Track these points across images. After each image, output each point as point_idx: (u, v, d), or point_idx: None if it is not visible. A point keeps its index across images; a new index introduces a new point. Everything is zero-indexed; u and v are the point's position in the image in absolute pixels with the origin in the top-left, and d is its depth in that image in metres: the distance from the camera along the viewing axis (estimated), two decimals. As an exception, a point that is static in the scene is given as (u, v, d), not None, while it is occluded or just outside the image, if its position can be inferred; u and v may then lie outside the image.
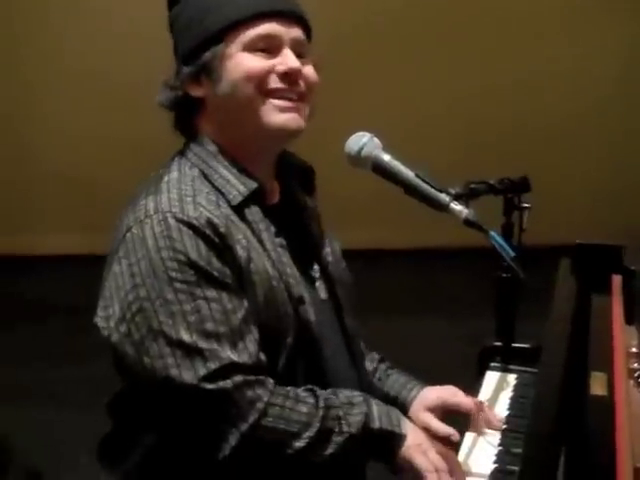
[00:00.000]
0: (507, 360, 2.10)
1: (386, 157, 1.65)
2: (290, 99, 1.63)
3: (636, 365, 1.62)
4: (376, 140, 1.67)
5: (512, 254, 1.59)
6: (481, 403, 1.82)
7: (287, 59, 1.63)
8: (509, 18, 5.38)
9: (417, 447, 1.59)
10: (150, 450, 1.62)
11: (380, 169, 1.65)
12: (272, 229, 1.63)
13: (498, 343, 2.14)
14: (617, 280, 2.00)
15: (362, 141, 1.66)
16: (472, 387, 2.01)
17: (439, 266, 5.30)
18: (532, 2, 5.37)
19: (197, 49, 1.63)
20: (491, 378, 2.06)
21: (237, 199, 1.61)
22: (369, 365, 1.89)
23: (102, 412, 1.70)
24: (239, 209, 1.60)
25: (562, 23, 5.37)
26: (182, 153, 1.68)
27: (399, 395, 1.83)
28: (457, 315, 4.45)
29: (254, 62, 1.62)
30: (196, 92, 1.65)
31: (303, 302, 1.63)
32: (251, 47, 1.62)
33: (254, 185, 1.63)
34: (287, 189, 1.76)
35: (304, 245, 1.73)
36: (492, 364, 2.10)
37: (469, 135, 5.46)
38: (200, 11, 1.64)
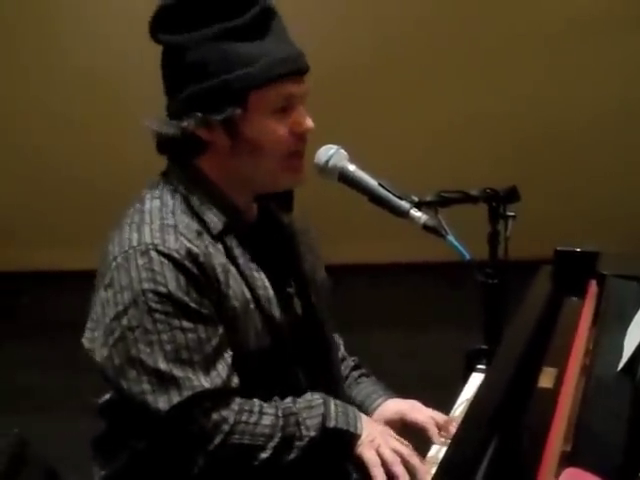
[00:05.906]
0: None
1: (351, 167, 1.77)
2: (300, 157, 1.71)
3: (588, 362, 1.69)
4: (343, 152, 1.78)
5: (467, 257, 1.70)
6: (446, 420, 1.84)
7: (304, 120, 1.69)
8: (514, 35, 5.46)
9: (369, 443, 1.66)
10: (137, 453, 1.71)
11: (346, 179, 1.77)
12: (247, 255, 1.70)
13: (484, 346, 2.21)
14: (593, 284, 2.07)
15: (329, 153, 1.77)
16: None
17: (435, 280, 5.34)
18: (539, 18, 5.44)
19: (217, 99, 1.64)
20: (475, 379, 2.12)
21: (217, 228, 1.68)
22: (342, 371, 1.95)
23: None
24: (219, 236, 1.68)
25: (566, 42, 5.44)
26: (166, 177, 1.74)
27: (362, 404, 1.90)
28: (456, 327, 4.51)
29: (279, 130, 1.67)
30: (206, 136, 1.67)
31: (274, 321, 1.71)
32: (274, 109, 1.66)
33: (233, 214, 1.71)
34: (265, 208, 1.82)
35: (281, 262, 1.80)
36: (478, 366, 2.18)
37: (479, 147, 5.55)
38: (222, 61, 1.63)
